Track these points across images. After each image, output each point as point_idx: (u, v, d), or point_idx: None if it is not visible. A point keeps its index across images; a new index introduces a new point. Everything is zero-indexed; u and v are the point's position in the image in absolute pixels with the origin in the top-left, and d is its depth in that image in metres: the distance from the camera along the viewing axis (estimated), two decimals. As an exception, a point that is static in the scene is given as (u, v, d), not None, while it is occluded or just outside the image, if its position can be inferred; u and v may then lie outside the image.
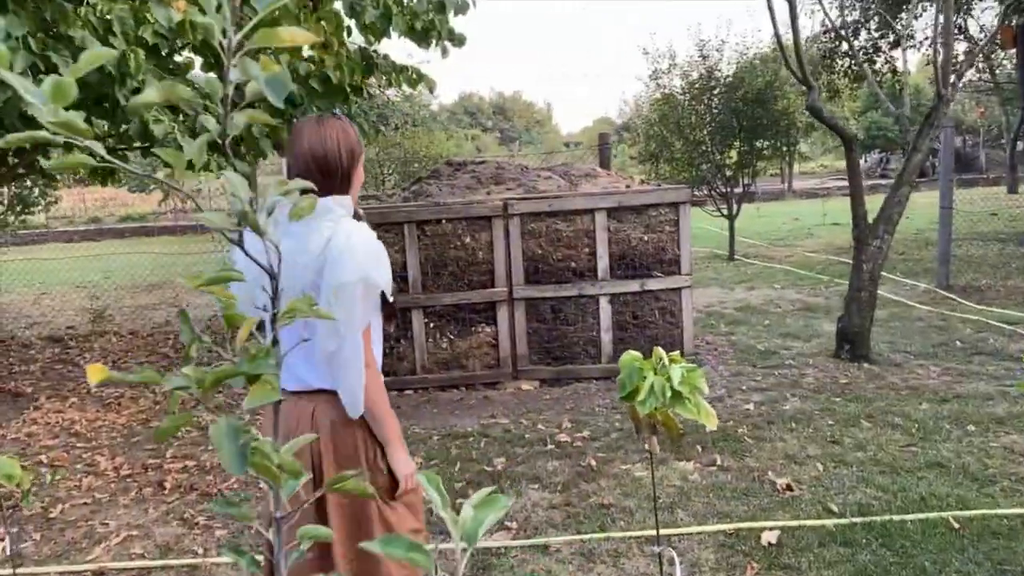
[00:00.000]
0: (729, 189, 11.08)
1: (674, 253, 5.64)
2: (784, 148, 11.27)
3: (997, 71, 21.86)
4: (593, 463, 4.12)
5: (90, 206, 29.20)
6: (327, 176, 1.94)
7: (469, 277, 5.53)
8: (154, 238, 20.15)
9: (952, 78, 5.49)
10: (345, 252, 1.85)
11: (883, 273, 9.40)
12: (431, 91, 5.88)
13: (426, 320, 5.59)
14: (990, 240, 11.46)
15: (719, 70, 10.65)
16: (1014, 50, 11.12)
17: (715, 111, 10.54)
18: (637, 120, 12.00)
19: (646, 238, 5.59)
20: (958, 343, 6.08)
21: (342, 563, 1.96)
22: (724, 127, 10.53)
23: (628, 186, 5.80)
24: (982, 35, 12.95)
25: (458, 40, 5.85)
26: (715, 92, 10.54)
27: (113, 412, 5.53)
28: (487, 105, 68.29)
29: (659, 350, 2.52)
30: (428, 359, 5.63)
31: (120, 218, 27.85)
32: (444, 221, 5.45)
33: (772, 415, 4.77)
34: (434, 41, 5.75)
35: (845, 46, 12.51)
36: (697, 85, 10.63)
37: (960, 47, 12.30)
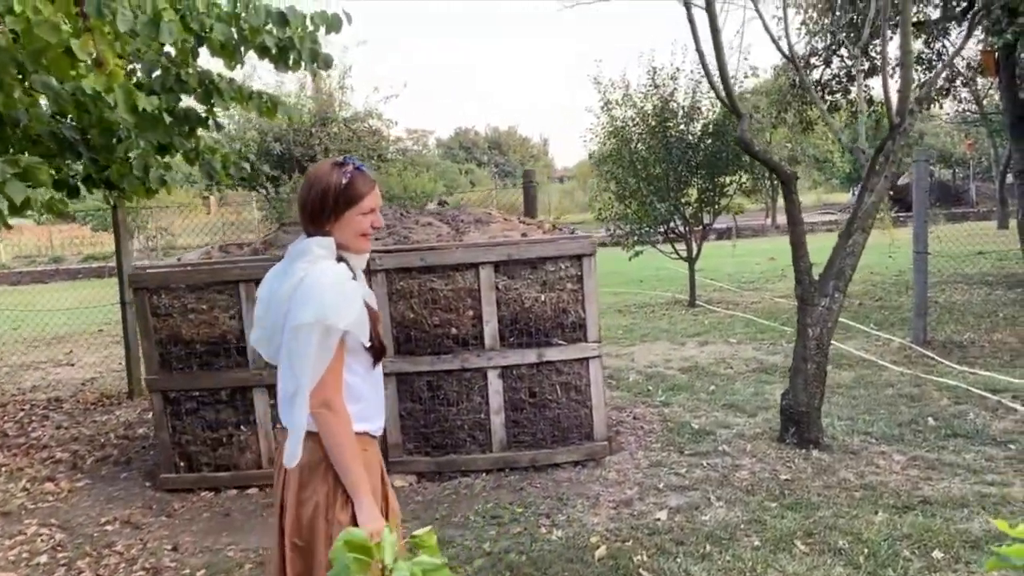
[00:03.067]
0: (688, 229, 10.09)
1: (577, 316, 4.61)
2: (746, 184, 10.29)
3: (984, 101, 21.10)
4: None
5: (56, 244, 28.23)
6: (308, 218, 2.01)
7: (324, 348, 4.50)
8: (105, 280, 19.14)
9: (913, 106, 4.52)
10: (306, 293, 1.88)
11: (855, 324, 8.39)
12: (292, 120, 4.91)
13: (272, 401, 4.54)
14: (975, 283, 10.46)
15: (674, 100, 9.74)
16: (997, 78, 10.23)
17: (671, 145, 9.60)
18: (588, 156, 11.05)
19: (543, 298, 4.57)
20: (931, 420, 5.03)
21: None
22: (681, 162, 9.57)
23: (525, 234, 4.80)
24: (962, 61, 12.08)
25: (323, 61, 4.91)
26: (670, 124, 9.60)
27: None
28: (483, 140, 68.11)
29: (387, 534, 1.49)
30: (277, 450, 4.56)
31: (84, 257, 26.87)
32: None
33: (685, 531, 3.71)
34: (299, 63, 4.82)
35: (817, 75, 11.62)
36: (651, 117, 9.70)
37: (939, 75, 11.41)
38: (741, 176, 9.92)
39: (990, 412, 5.15)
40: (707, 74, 4.47)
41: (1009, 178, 19.73)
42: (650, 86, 9.76)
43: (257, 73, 19.55)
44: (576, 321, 4.62)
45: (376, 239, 4.75)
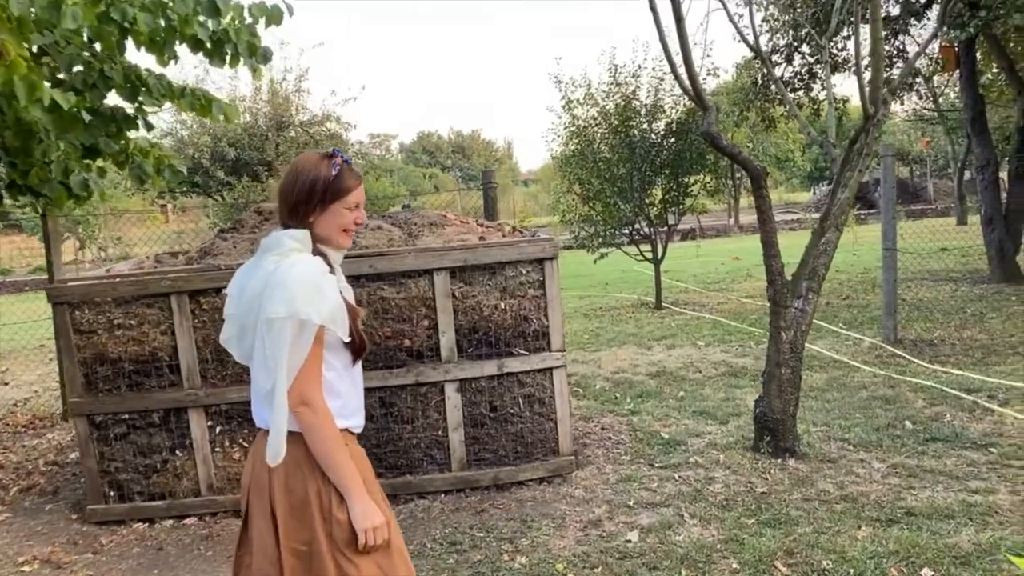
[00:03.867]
0: (653, 230, 9.88)
1: (540, 323, 4.33)
2: (710, 184, 10.12)
3: (940, 99, 21.34)
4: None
5: (4, 255, 27.19)
6: (290, 209, 1.94)
7: (266, 364, 4.16)
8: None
9: (886, 96, 4.32)
10: (278, 286, 1.80)
11: (824, 324, 8.24)
12: (229, 119, 4.56)
13: (210, 423, 4.18)
14: (941, 280, 10.42)
15: (637, 99, 9.52)
16: (957, 72, 10.20)
17: (634, 144, 9.38)
18: (551, 157, 10.79)
19: (503, 305, 4.28)
20: (908, 424, 4.84)
21: None
22: (645, 161, 9.35)
23: (482, 237, 4.50)
24: (922, 57, 12.04)
25: (262, 56, 4.57)
26: (632, 123, 9.38)
27: None
28: (446, 144, 67.70)
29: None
30: (217, 476, 4.21)
31: (33, 269, 25.91)
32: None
33: (658, 554, 3.44)
34: (236, 57, 4.48)
35: (779, 72, 11.51)
36: (613, 116, 9.47)
37: (897, 70, 11.37)
38: (705, 176, 9.74)
39: (967, 413, 4.98)
40: (671, 65, 4.22)
41: (967, 175, 19.97)
42: (612, 84, 9.54)
43: (211, 77, 19.00)
44: (539, 329, 4.33)
45: (321, 245, 4.42)
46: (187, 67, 35.19)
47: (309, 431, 1.83)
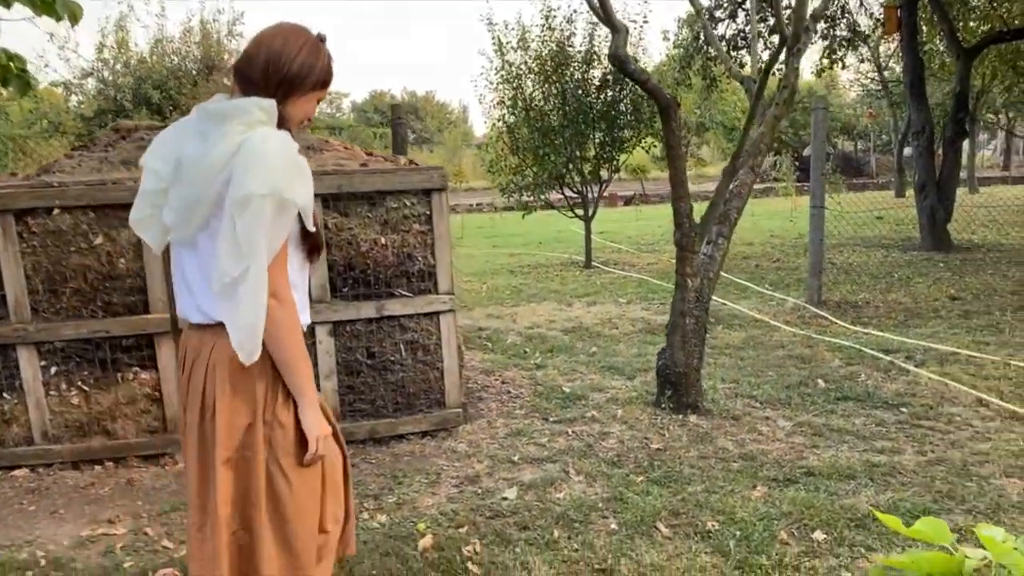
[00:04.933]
0: (586, 187, 9.51)
1: (426, 263, 3.92)
2: (655, 148, 9.77)
3: (885, 72, 21.37)
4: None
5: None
6: (262, 77, 1.68)
7: (107, 298, 3.66)
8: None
9: (809, 24, 3.97)
10: (254, 160, 1.57)
11: (751, 285, 8.02)
12: (75, 21, 3.98)
13: (43, 363, 3.68)
14: (873, 246, 10.32)
15: (571, 45, 9.07)
16: (898, 35, 9.99)
17: (568, 92, 8.95)
18: (478, 102, 10.30)
19: (384, 241, 3.85)
20: (821, 382, 4.59)
21: (225, 530, 1.70)
22: (579, 112, 8.94)
23: (365, 164, 4.04)
24: (865, 19, 11.84)
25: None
26: (567, 71, 8.94)
27: None
28: (399, 104, 66.10)
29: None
30: (52, 422, 3.72)
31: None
32: (61, 211, 3.56)
33: (533, 513, 3.09)
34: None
35: (722, 30, 11.19)
36: (547, 61, 9.01)
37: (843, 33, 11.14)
38: (642, 131, 9.36)
39: (882, 373, 4.76)
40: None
41: (907, 151, 20.08)
42: (545, 28, 9.06)
43: (135, 14, 17.86)
44: (424, 269, 3.92)
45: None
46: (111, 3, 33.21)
47: (274, 326, 1.63)
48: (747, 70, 11.29)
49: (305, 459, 1.73)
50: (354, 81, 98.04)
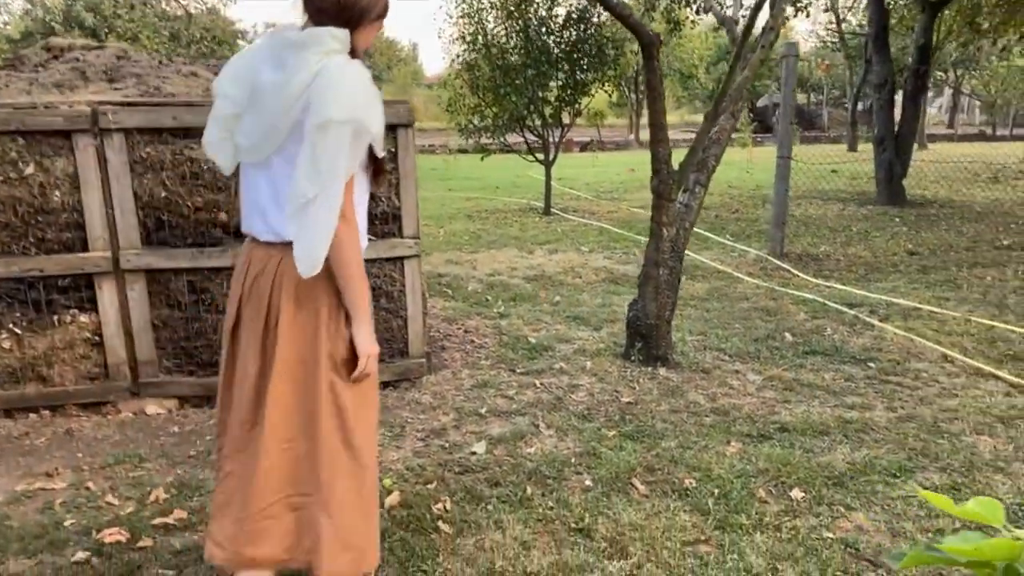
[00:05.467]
0: (546, 130, 9.26)
1: (390, 204, 3.68)
2: (612, 95, 9.53)
3: (843, 25, 21.36)
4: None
5: None
6: (331, 7, 1.72)
7: (41, 234, 3.34)
8: None
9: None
10: (334, 87, 1.65)
11: (711, 235, 7.96)
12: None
13: None
14: (830, 199, 10.37)
15: (536, -20, 8.70)
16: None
17: (531, 29, 8.62)
18: (437, 36, 9.88)
19: (346, 179, 3.59)
20: (788, 336, 4.55)
21: (277, 444, 1.80)
22: (543, 52, 8.63)
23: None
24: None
25: None
26: (529, 7, 8.59)
27: None
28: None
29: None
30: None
31: None
32: (-16, 137, 3.21)
33: (504, 468, 2.97)
34: None
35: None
36: (510, -3, 8.64)
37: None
38: (605, 74, 9.11)
39: (848, 327, 4.74)
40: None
41: (860, 106, 20.23)
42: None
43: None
44: (388, 211, 3.69)
45: (116, 88, 3.57)
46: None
47: (340, 245, 1.71)
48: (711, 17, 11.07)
49: (353, 375, 1.82)
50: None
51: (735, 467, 2.94)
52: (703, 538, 2.49)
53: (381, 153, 1.79)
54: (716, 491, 2.77)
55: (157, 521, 2.59)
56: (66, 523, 2.60)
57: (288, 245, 1.72)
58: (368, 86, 1.70)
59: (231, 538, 1.84)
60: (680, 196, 3.80)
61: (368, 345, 1.83)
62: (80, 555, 2.40)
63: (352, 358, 1.82)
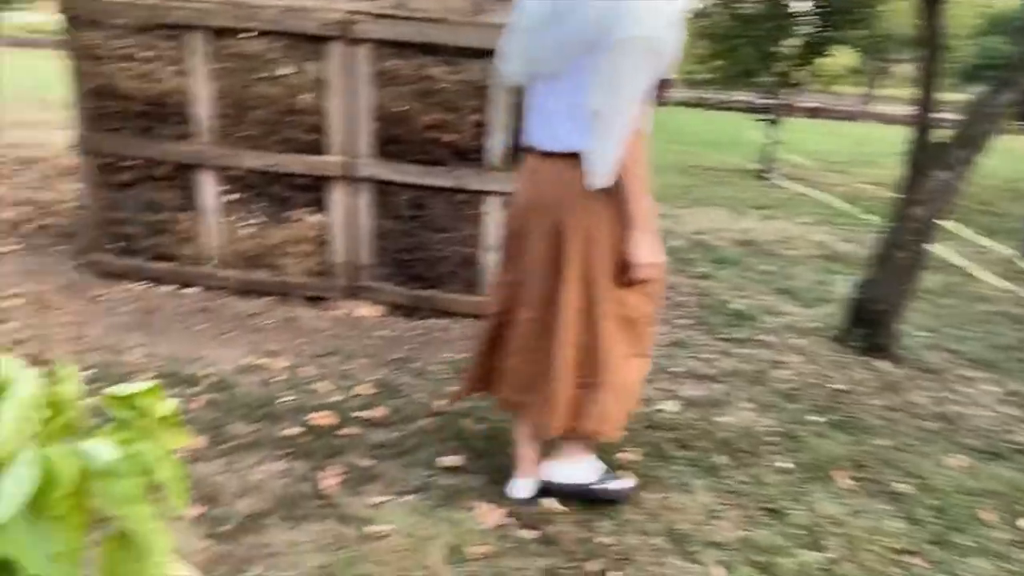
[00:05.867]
0: (776, 90, 8.66)
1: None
2: (863, 41, 8.68)
3: None
4: (330, 486, 2.29)
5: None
6: None
7: (286, 133, 3.58)
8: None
9: None
10: (635, 7, 1.71)
11: (953, 226, 7.14)
12: None
13: (224, 188, 3.69)
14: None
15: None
16: None
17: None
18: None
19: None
20: (1037, 349, 3.99)
21: (569, 334, 1.95)
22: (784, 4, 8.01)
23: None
24: None
25: None
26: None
27: None
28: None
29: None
30: (226, 248, 3.77)
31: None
32: (256, 35, 3.44)
33: (694, 433, 2.84)
34: None
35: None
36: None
37: None
38: (855, 32, 8.31)
39: (1115, 352, 4.06)
40: None
41: None
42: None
43: None
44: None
45: None
46: None
47: (630, 157, 1.79)
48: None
49: (635, 280, 1.94)
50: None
51: (958, 482, 2.62)
52: (914, 549, 2.24)
53: (672, 75, 1.85)
54: (934, 502, 2.48)
55: (361, 414, 2.74)
56: (282, 399, 2.82)
57: (574, 156, 1.80)
58: (666, 9, 1.74)
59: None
60: (942, 173, 3.37)
61: (646, 253, 1.91)
62: (292, 431, 2.59)
63: (634, 265, 1.92)
